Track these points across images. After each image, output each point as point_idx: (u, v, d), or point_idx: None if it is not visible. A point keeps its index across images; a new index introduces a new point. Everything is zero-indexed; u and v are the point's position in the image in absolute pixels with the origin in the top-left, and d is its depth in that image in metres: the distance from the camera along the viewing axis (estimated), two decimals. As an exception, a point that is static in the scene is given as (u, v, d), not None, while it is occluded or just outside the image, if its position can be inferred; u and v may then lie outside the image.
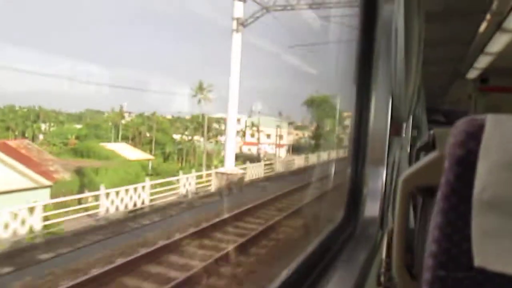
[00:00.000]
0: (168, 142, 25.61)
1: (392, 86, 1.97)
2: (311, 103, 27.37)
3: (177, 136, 26.60)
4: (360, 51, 2.05)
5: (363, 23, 2.02)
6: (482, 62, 6.65)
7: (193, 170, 17.63)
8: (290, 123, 28.27)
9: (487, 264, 0.78)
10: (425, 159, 0.90)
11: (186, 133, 26.70)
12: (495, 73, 7.94)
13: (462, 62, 6.53)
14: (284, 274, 1.25)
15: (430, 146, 2.66)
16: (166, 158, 25.15)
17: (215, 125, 27.17)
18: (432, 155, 0.89)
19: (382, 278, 2.11)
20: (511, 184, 0.75)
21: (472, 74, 7.71)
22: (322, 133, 26.15)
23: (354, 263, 1.57)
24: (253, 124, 28.27)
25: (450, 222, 0.83)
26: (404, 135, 2.12)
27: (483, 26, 4.15)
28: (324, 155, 22.72)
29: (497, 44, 5.40)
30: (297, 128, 29.22)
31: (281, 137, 25.60)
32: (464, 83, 8.38)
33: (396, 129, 2.09)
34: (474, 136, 0.80)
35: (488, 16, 3.83)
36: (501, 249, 0.76)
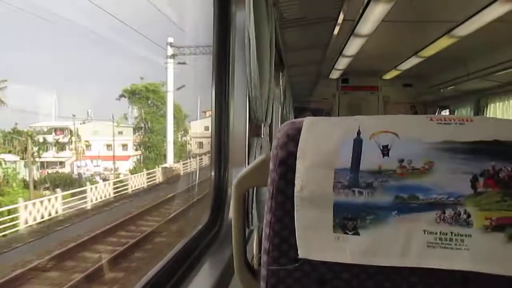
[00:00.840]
0: None
1: (248, 89, 2.05)
2: (131, 95, 19.10)
3: None
4: (217, 58, 2.10)
5: (218, 30, 2.07)
6: (342, 63, 7.26)
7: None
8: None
9: (309, 255, 0.85)
10: (253, 163, 0.96)
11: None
12: (354, 73, 8.75)
13: (323, 64, 7.04)
14: (151, 272, 1.24)
15: None
16: None
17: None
18: (259, 158, 0.95)
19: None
20: (325, 182, 0.83)
21: (334, 74, 8.38)
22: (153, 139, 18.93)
23: (219, 261, 1.62)
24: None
25: (278, 220, 0.89)
26: (263, 135, 2.22)
27: (336, 31, 4.52)
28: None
29: (353, 47, 5.94)
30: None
31: (124, 146, 18.42)
32: (328, 83, 9.09)
33: (255, 130, 2.19)
34: (293, 139, 0.87)
35: (340, 22, 4.19)
36: (320, 240, 0.84)
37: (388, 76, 8.65)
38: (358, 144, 0.83)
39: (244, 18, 2.02)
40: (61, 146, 16.88)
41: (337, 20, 4.04)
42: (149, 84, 18.63)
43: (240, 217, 0.97)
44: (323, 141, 0.84)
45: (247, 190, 0.96)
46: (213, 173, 2.08)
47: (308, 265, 0.89)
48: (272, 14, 2.18)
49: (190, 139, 20.38)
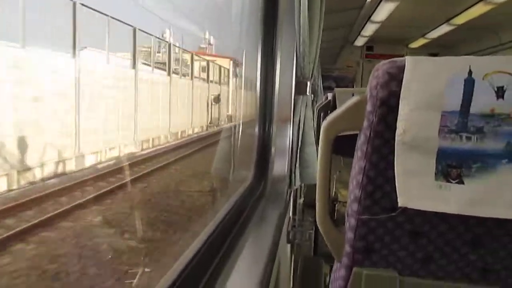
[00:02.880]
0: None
1: (296, 45, 1.97)
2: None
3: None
4: (265, 13, 2.02)
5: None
6: (368, 30, 7.09)
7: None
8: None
9: (409, 203, 0.80)
10: (345, 105, 0.90)
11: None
12: (379, 41, 8.54)
13: (351, 30, 6.88)
14: (203, 235, 1.21)
15: (331, 106, 2.77)
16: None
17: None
18: (353, 100, 0.88)
19: (291, 235, 2.18)
20: (431, 125, 0.77)
21: (360, 41, 8.21)
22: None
23: (267, 223, 1.58)
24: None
25: (373, 165, 0.84)
26: (308, 94, 2.15)
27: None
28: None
29: (382, 12, 5.76)
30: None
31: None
32: (352, 50, 8.90)
33: (301, 88, 2.12)
34: (395, 77, 0.81)
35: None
36: (420, 187, 0.79)
37: (414, 44, 8.44)
38: (469, 84, 0.76)
39: None
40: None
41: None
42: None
43: (327, 165, 0.92)
44: (429, 80, 0.78)
45: (338, 134, 0.90)
46: (257, 130, 2.03)
47: (403, 215, 0.84)
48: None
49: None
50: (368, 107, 0.83)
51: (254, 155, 2.02)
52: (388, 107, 0.81)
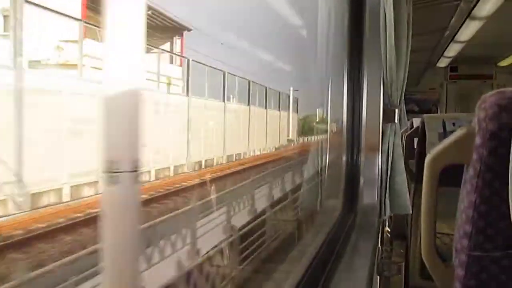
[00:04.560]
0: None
1: (383, 72, 1.95)
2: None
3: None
4: (350, 42, 2.04)
5: (351, 12, 2.00)
6: (452, 50, 6.79)
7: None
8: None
9: None
10: (452, 136, 0.87)
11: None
12: (464, 61, 8.14)
13: (434, 51, 6.64)
14: (301, 267, 1.21)
15: (420, 133, 2.68)
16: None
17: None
18: (459, 132, 0.86)
19: (380, 267, 2.11)
20: None
21: (443, 62, 7.87)
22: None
23: (360, 255, 1.55)
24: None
25: (484, 200, 0.81)
26: (396, 121, 2.11)
27: (456, 13, 4.21)
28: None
29: (467, 32, 5.51)
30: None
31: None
32: (434, 72, 8.55)
33: (388, 115, 2.09)
34: (506, 109, 0.78)
35: (461, 4, 3.89)
36: None
37: (504, 63, 7.92)
38: None
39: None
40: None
41: (460, 0, 3.75)
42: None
43: (433, 198, 0.89)
44: None
45: (443, 168, 0.87)
46: (345, 158, 2.02)
47: None
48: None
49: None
50: (477, 140, 0.80)
51: (342, 184, 2.00)
52: (499, 140, 0.77)
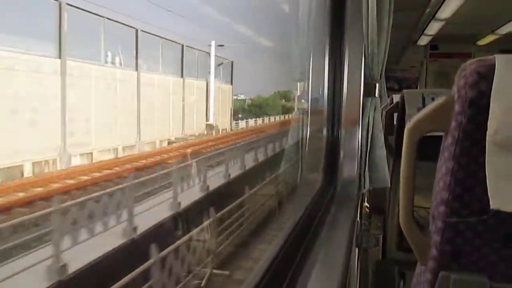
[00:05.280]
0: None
1: (364, 46, 1.95)
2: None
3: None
4: (331, 17, 2.02)
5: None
6: (433, 28, 6.82)
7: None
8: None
9: (503, 205, 0.77)
10: (431, 105, 0.87)
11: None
12: (444, 39, 8.19)
13: (415, 29, 6.66)
14: (279, 240, 1.22)
15: (399, 108, 2.70)
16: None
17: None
18: (439, 100, 0.86)
19: (359, 240, 2.14)
20: None
21: (423, 40, 7.91)
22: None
23: (339, 227, 1.57)
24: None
25: (462, 167, 0.81)
26: (377, 96, 2.11)
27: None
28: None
29: (448, 9, 5.53)
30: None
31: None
32: (415, 50, 8.60)
33: (369, 89, 2.09)
34: (485, 76, 0.78)
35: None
36: None
37: (483, 41, 8.00)
38: None
39: None
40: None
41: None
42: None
43: (411, 169, 0.90)
44: None
45: (422, 135, 0.88)
46: (325, 133, 2.03)
47: (495, 218, 0.80)
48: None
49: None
50: (457, 108, 0.81)
51: (322, 158, 2.01)
52: (478, 107, 0.78)
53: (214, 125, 15.05)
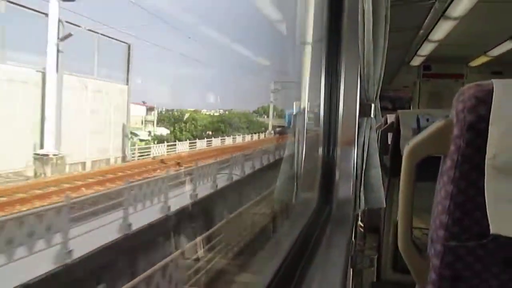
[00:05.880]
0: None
1: (360, 67, 1.97)
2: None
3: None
4: (328, 40, 2.05)
5: (330, 7, 2.01)
6: (425, 49, 6.92)
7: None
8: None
9: (502, 230, 0.77)
10: (430, 128, 0.88)
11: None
12: (437, 60, 8.31)
13: (408, 50, 6.75)
14: (277, 261, 1.21)
15: (394, 128, 2.72)
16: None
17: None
18: (437, 124, 0.87)
19: (353, 260, 2.13)
20: None
21: (416, 61, 8.03)
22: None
23: (336, 247, 1.56)
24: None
25: (461, 191, 0.82)
26: (373, 116, 2.12)
27: (431, 13, 4.29)
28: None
29: (440, 31, 5.63)
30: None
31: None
32: (408, 70, 8.71)
33: (365, 110, 2.10)
34: (483, 101, 0.79)
35: (436, 4, 3.96)
36: None
37: (475, 63, 8.13)
38: None
39: None
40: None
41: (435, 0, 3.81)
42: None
43: (410, 191, 0.90)
44: None
45: (421, 159, 0.88)
46: (320, 153, 2.03)
47: (494, 242, 0.81)
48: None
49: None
50: (455, 131, 0.81)
51: (318, 178, 2.01)
52: (477, 131, 0.79)
53: (53, 156, 8.37)
